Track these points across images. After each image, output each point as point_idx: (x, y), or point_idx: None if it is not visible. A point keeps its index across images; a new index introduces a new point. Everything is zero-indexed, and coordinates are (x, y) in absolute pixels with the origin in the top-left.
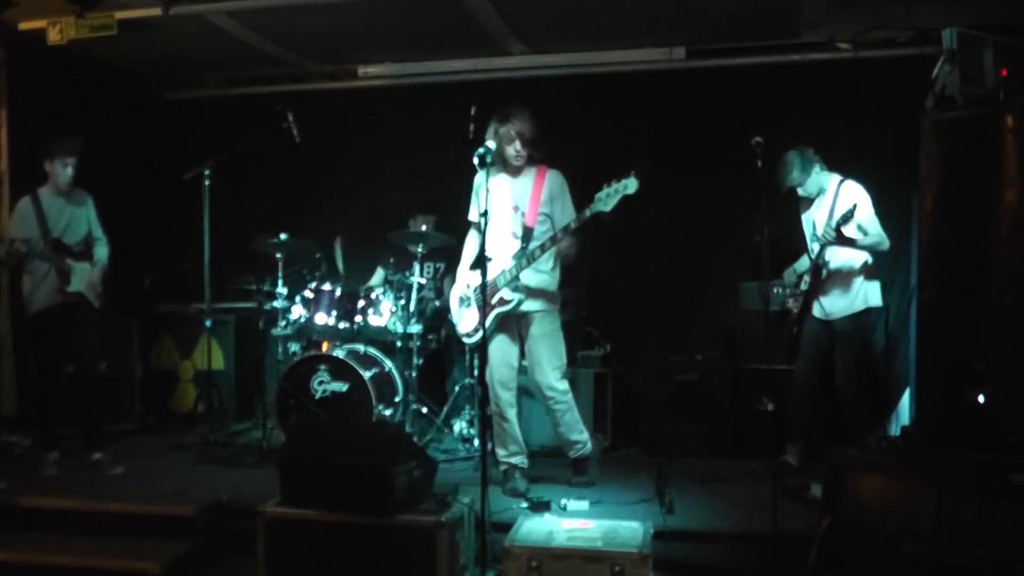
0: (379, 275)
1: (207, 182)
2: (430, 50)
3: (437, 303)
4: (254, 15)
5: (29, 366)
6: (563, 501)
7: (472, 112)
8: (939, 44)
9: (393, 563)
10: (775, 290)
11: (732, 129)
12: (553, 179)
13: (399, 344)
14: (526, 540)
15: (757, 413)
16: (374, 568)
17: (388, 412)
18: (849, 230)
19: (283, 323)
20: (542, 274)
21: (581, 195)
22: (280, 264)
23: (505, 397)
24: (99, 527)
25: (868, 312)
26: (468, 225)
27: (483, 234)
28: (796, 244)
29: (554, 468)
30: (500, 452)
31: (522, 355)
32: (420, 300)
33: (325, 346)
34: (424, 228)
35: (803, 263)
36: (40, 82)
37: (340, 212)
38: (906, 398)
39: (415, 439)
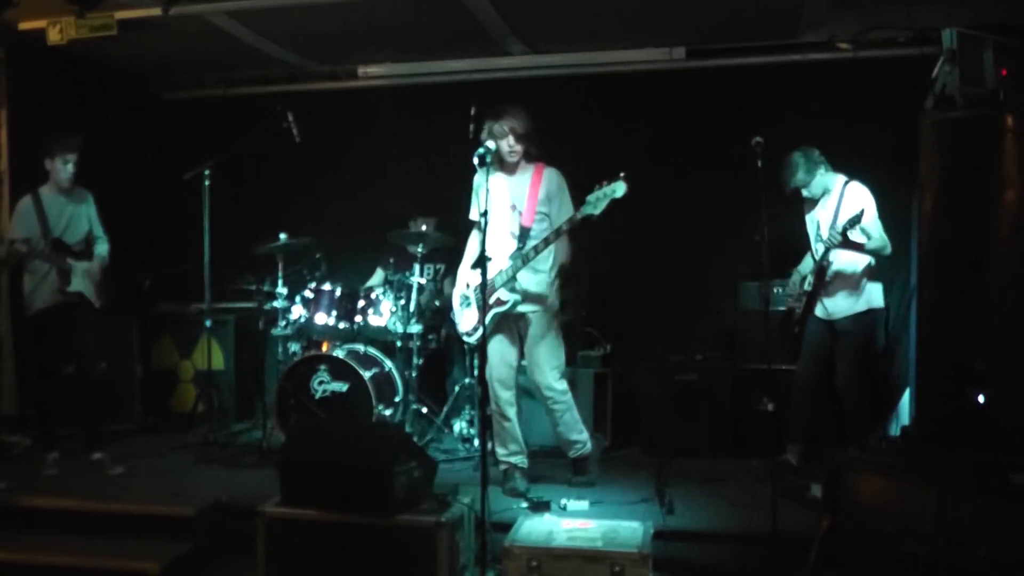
0: (379, 275)
1: (207, 182)
2: (430, 50)
3: (437, 303)
4: (254, 15)
5: (29, 366)
6: (563, 501)
7: (472, 112)
8: (939, 44)
9: (393, 563)
10: (775, 290)
11: (732, 129)
12: (551, 177)
13: (399, 344)
14: (526, 540)
15: (757, 413)
16: (374, 568)
17: (388, 412)
18: (854, 234)
19: (283, 323)
20: (541, 274)
21: (581, 196)
22: (280, 264)
23: (505, 396)
24: (99, 527)
25: (870, 313)
26: (470, 225)
27: (483, 234)
28: (796, 244)
29: (554, 468)
30: (500, 451)
31: (521, 355)
32: (419, 300)
33: (325, 346)
34: (424, 228)
35: (807, 264)
36: (40, 82)
37: (340, 212)
38: (906, 398)
39: (415, 439)
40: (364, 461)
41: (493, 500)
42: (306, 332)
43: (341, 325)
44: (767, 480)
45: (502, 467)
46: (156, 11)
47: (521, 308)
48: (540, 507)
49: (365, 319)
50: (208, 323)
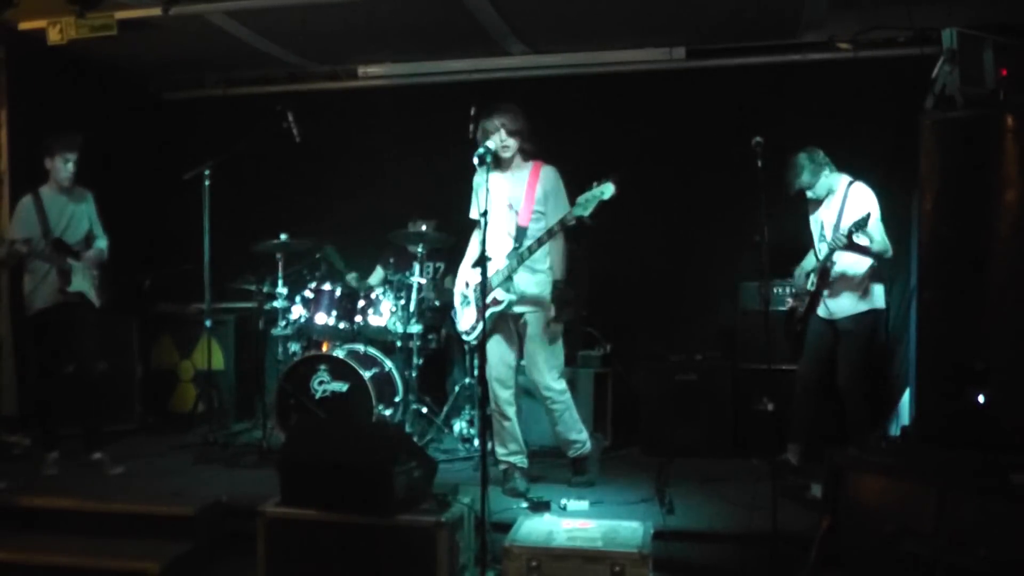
0: (379, 275)
1: (207, 182)
2: (430, 50)
3: (437, 302)
4: (254, 15)
5: (29, 366)
6: (563, 501)
7: (472, 112)
8: (939, 44)
9: (393, 563)
10: (775, 290)
11: (732, 129)
12: (547, 175)
13: (399, 344)
14: (526, 540)
15: (757, 413)
16: (374, 568)
17: (388, 412)
18: (859, 237)
19: (283, 323)
20: (539, 274)
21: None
22: (280, 264)
23: (504, 396)
24: (99, 527)
25: (872, 313)
26: (471, 224)
27: (483, 233)
28: (796, 244)
29: (554, 468)
30: (500, 451)
31: (520, 355)
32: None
33: (325, 346)
34: (424, 228)
35: (809, 261)
36: (40, 82)
37: (340, 212)
38: (906, 398)
39: (415, 439)
40: (364, 461)
41: (493, 500)
42: (306, 332)
43: (341, 325)
44: (767, 480)
45: (502, 467)
46: (156, 11)
47: (518, 308)
48: (540, 507)
49: (365, 319)
50: (208, 323)
